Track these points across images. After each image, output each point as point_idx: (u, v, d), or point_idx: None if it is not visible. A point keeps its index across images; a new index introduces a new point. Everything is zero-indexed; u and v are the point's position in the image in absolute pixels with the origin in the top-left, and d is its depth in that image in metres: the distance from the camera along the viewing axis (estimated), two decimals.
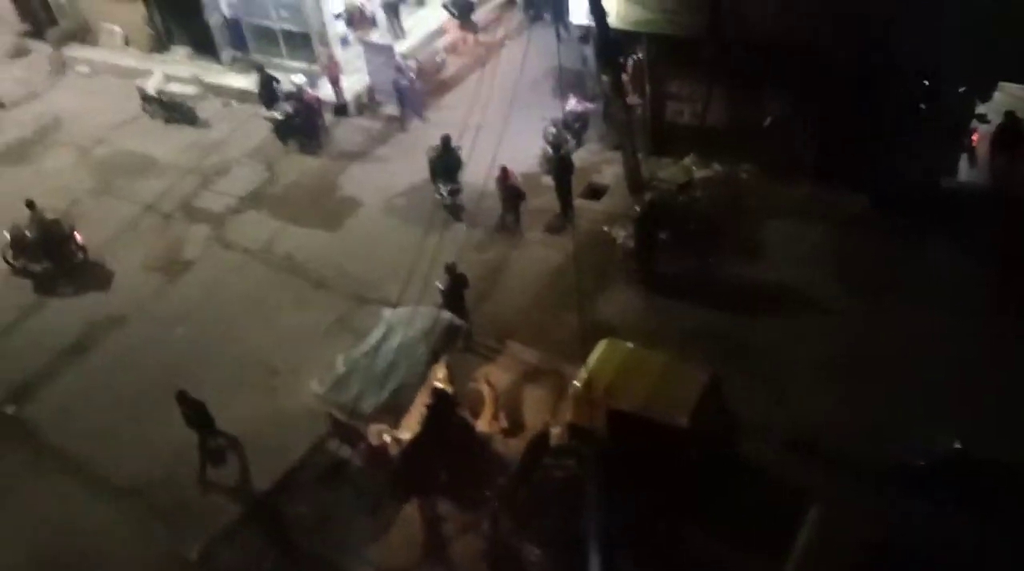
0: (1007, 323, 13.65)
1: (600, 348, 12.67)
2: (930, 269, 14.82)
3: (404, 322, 13.33)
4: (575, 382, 12.27)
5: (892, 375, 13.23)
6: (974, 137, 15.81)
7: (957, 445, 11.31)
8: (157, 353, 15.50)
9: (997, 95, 15.27)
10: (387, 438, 12.72)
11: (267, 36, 22.38)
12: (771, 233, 16.09)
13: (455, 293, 14.50)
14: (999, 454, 11.44)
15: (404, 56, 21.36)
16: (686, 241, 15.67)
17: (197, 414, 13.26)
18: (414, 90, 20.67)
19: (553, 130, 18.23)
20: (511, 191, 16.85)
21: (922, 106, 14.88)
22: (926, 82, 14.66)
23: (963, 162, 16.02)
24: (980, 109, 15.46)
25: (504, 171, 16.51)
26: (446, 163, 17.30)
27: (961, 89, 14.82)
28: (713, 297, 15.01)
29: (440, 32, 23.08)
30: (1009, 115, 15.23)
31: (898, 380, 13.11)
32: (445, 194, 17.31)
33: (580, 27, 19.30)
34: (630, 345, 12.82)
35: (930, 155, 15.29)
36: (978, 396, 12.56)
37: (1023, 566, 10.65)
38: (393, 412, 12.53)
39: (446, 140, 17.23)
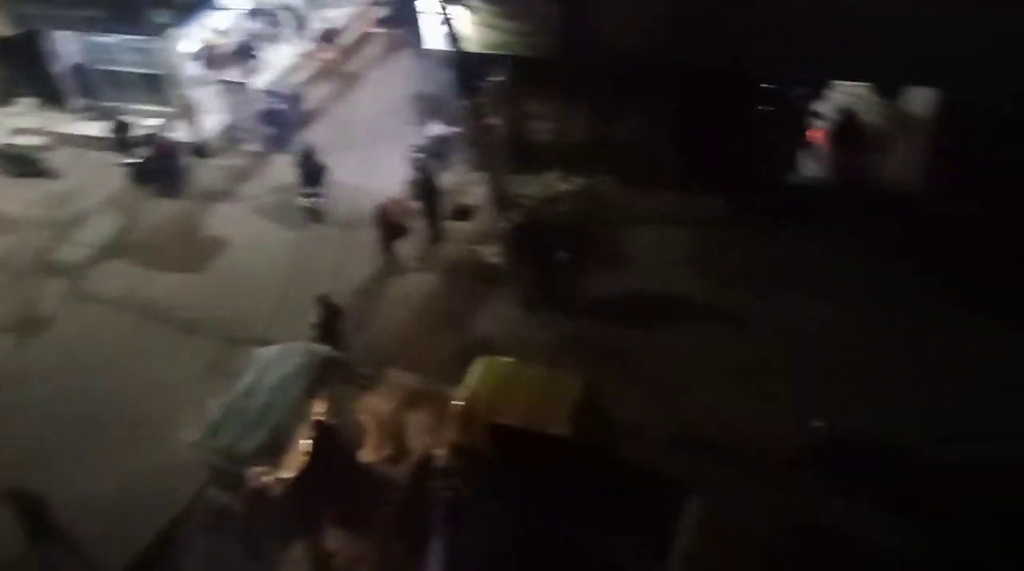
0: (871, 308, 14.39)
1: (478, 366, 12.75)
2: (790, 262, 15.48)
3: (279, 360, 13.07)
4: (456, 402, 12.30)
5: (765, 366, 13.75)
6: (815, 134, 16.62)
7: (819, 423, 11.83)
8: (14, 421, 14.58)
9: (836, 95, 16.15)
10: (269, 479, 12.39)
11: (117, 80, 21.61)
12: (637, 241, 16.48)
13: (330, 325, 14.33)
14: (878, 435, 12.10)
15: (269, 89, 21.25)
16: (555, 255, 15.90)
17: (34, 518, 12.18)
18: (286, 117, 20.60)
19: (418, 155, 18.29)
20: (393, 228, 16.77)
21: (760, 107, 15.58)
22: (763, 85, 15.37)
23: (809, 160, 16.78)
24: (820, 108, 16.34)
25: (384, 207, 16.47)
26: (308, 169, 17.95)
27: (796, 89, 15.62)
28: (586, 308, 15.33)
29: (299, 65, 22.86)
30: (845, 112, 16.12)
31: (771, 370, 13.65)
32: (306, 197, 17.96)
33: (440, 52, 19.47)
34: (508, 361, 12.94)
35: (774, 154, 16.06)
36: (851, 379, 13.21)
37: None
38: (273, 452, 12.24)
39: (308, 148, 18.07)
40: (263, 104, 20.74)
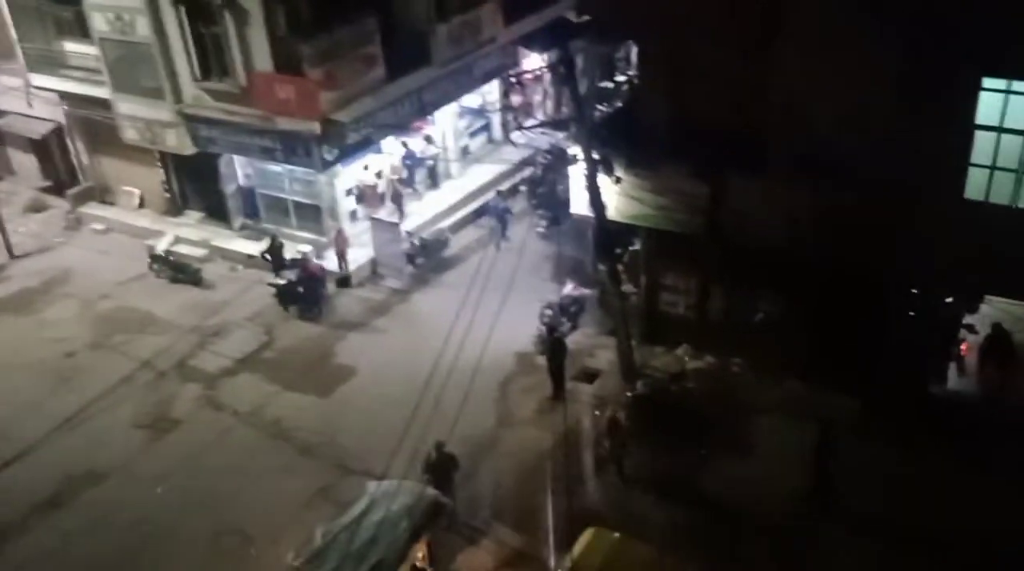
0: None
1: (586, 536, 12.46)
2: (923, 474, 14.71)
3: (388, 496, 13.12)
4: (558, 570, 11.99)
5: None
6: (963, 347, 16.09)
7: None
8: (132, 514, 15.14)
9: (986, 308, 15.69)
10: None
11: (279, 206, 23.22)
12: (759, 430, 15.97)
13: (442, 471, 14.36)
14: None
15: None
16: (676, 432, 15.65)
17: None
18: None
19: (549, 312, 18.63)
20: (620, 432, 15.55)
21: (911, 314, 15.21)
22: (915, 291, 15.05)
23: (953, 371, 16.19)
24: (969, 320, 15.86)
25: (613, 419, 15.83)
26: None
27: (949, 300, 15.22)
28: (703, 493, 14.81)
29: (446, 213, 23.92)
30: (997, 327, 15.58)
31: None
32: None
33: (583, 217, 20.09)
34: (617, 535, 12.58)
35: (920, 362, 15.54)
36: None
37: None
38: None
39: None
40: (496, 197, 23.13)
